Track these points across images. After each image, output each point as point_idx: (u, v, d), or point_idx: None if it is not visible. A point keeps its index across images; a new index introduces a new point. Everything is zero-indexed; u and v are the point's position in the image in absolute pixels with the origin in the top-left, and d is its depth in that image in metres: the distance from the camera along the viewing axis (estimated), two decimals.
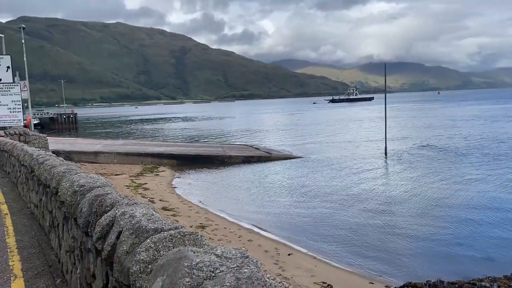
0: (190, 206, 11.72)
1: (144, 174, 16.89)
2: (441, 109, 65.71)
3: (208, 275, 1.18)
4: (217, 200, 13.25)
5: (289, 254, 7.87)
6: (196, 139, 33.56)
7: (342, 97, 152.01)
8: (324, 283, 6.43)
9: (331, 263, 7.78)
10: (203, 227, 9.20)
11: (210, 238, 7.86)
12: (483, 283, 5.63)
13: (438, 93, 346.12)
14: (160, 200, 12.03)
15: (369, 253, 8.26)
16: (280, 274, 6.53)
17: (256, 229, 9.83)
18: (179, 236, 1.58)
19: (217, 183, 16.04)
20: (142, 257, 1.53)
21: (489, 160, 18.02)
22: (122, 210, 2.04)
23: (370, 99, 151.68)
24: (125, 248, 1.74)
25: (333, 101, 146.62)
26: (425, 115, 51.95)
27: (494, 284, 5.66)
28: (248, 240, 8.58)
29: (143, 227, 1.75)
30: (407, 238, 9.07)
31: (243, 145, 26.05)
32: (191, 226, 8.81)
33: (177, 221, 8.45)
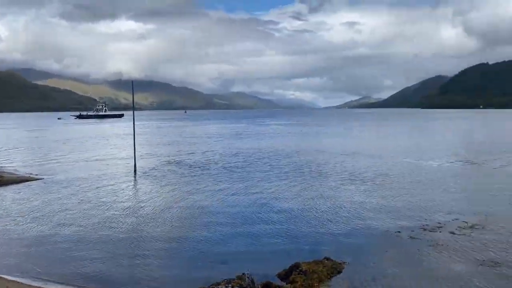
0: None
1: None
2: (188, 127, 70.68)
3: None
4: None
5: None
6: None
7: (90, 113, 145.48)
8: None
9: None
10: None
11: None
12: (219, 286, 6.30)
13: (185, 112, 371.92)
14: None
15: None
16: None
17: None
18: None
19: None
20: None
21: (227, 172, 20.32)
22: None
23: (120, 115, 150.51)
24: None
25: (80, 116, 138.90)
26: (172, 133, 54.78)
27: (229, 285, 6.38)
28: None
29: None
30: (153, 256, 9.24)
31: None
32: None
33: None
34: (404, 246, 9.48)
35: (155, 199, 14.82)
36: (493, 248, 9.21)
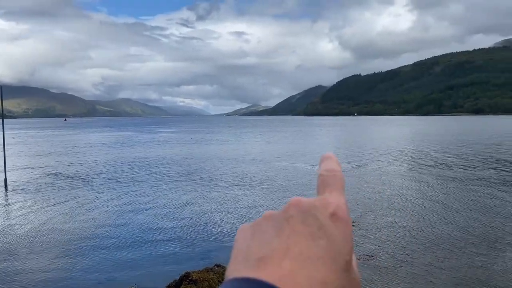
0: None
1: None
2: (68, 136, 65.62)
3: None
4: None
5: None
6: None
7: None
8: None
9: None
10: None
11: None
12: None
13: (65, 119, 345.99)
14: None
15: None
16: None
17: None
18: None
19: None
20: None
21: (111, 183, 19.21)
22: None
23: None
24: None
25: None
26: (50, 142, 50.36)
27: None
28: None
29: None
30: (27, 281, 8.28)
31: None
32: None
33: None
34: None
35: (28, 216, 13.35)
36: (368, 242, 10.05)
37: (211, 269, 8.22)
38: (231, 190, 17.19)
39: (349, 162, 25.79)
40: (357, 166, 24.04)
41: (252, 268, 0.44)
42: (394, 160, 26.90)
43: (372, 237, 10.44)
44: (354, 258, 0.50)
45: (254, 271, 0.44)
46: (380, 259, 8.89)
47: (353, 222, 11.71)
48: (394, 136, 56.93)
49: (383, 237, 10.40)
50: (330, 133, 70.55)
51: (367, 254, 9.18)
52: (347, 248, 0.47)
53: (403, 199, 14.92)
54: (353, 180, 19.16)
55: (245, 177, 20.39)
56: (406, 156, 29.39)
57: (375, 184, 18.08)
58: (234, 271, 0.45)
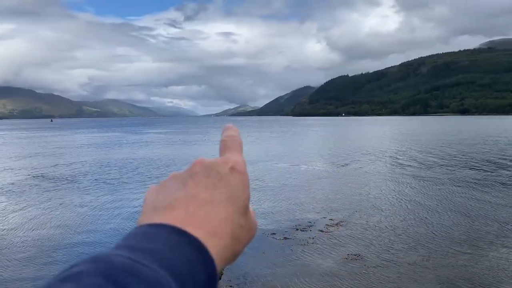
0: None
1: None
2: (54, 137, 64.86)
3: None
4: None
5: None
6: None
7: None
8: None
9: None
10: None
11: None
12: None
13: (51, 120, 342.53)
14: None
15: None
16: None
17: None
18: None
19: None
20: None
21: (97, 184, 19.06)
22: None
23: None
24: None
25: None
26: (36, 144, 49.74)
27: None
28: None
29: None
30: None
31: None
32: None
33: None
34: (279, 246, 9.91)
35: (11, 218, 13.19)
36: (356, 242, 10.15)
37: None
38: None
39: (334, 162, 25.96)
40: (342, 166, 24.21)
41: (158, 215, 0.49)
42: (379, 160, 27.16)
43: (358, 237, 10.55)
44: (251, 208, 0.62)
45: (160, 217, 0.48)
46: (366, 259, 8.99)
47: (341, 222, 11.84)
48: (379, 136, 57.45)
49: (369, 237, 10.51)
50: (316, 134, 70.89)
51: (354, 254, 9.27)
52: (245, 195, 0.56)
53: (388, 199, 15.08)
54: (339, 181, 19.31)
55: None
56: (390, 156, 29.70)
57: (360, 184, 18.24)
58: (141, 220, 0.50)
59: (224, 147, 0.62)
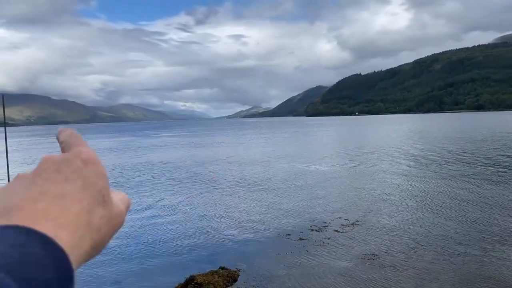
0: None
1: None
2: None
3: None
4: None
5: None
6: None
7: None
8: None
9: None
10: None
11: None
12: None
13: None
14: None
15: None
16: None
17: None
18: None
19: None
20: None
21: (114, 187, 19.28)
22: None
23: None
24: None
25: None
26: (51, 149, 50.45)
27: None
28: None
29: None
30: None
31: None
32: None
33: None
34: (294, 247, 9.94)
35: None
36: (372, 241, 10.13)
37: (216, 272, 8.32)
38: (233, 193, 17.27)
39: (348, 162, 25.85)
40: (356, 166, 24.09)
41: (4, 218, 0.46)
42: (394, 159, 26.96)
43: (374, 237, 10.52)
44: (119, 195, 0.60)
45: (5, 220, 0.45)
46: (383, 259, 8.96)
47: (356, 222, 11.81)
48: (393, 134, 56.96)
49: (385, 237, 10.48)
50: (329, 134, 70.59)
51: (370, 254, 9.26)
52: (101, 185, 0.54)
53: (403, 199, 14.99)
54: (353, 180, 19.24)
55: (246, 179, 20.47)
56: (405, 154, 29.44)
57: (375, 184, 18.15)
58: None
59: (67, 146, 0.59)
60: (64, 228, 0.47)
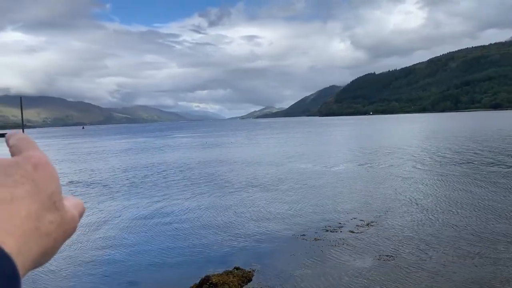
0: None
1: None
2: (86, 144, 66.65)
3: None
4: None
5: None
6: None
7: None
8: None
9: None
10: None
11: None
12: None
13: (83, 128, 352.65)
14: None
15: None
16: None
17: None
18: None
19: None
20: None
21: (130, 188, 19.48)
22: None
23: (2, 135, 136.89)
24: None
25: None
26: (69, 151, 51.26)
27: None
28: None
29: None
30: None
31: None
32: None
33: None
34: (309, 248, 9.88)
35: None
36: (387, 242, 10.02)
37: (231, 272, 8.32)
38: (246, 193, 17.27)
39: (362, 162, 25.65)
40: (371, 165, 23.89)
41: None
42: (409, 158, 26.65)
43: (390, 237, 10.40)
44: (72, 201, 0.58)
45: None
46: (399, 260, 8.86)
47: (371, 222, 11.69)
48: (408, 134, 56.34)
49: (401, 238, 10.35)
50: (343, 133, 70.15)
51: (386, 255, 9.15)
52: (52, 190, 0.51)
53: (418, 198, 14.80)
54: (368, 180, 19.07)
55: (258, 180, 20.46)
56: (421, 154, 29.09)
57: (391, 183, 17.96)
58: None
59: (17, 150, 0.56)
60: (11, 233, 0.45)
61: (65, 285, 8.41)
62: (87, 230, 12.54)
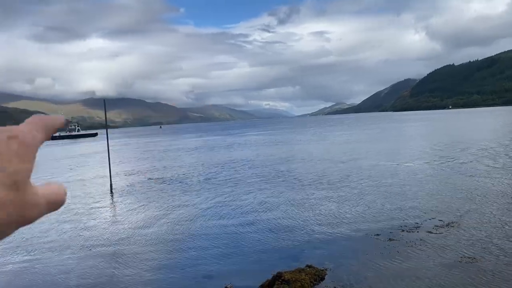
0: None
1: None
2: (164, 142, 70.00)
3: None
4: None
5: None
6: None
7: (63, 133, 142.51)
8: None
9: None
10: None
11: None
12: None
13: (160, 127, 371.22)
14: None
15: None
16: None
17: None
18: None
19: None
20: None
21: (206, 185, 20.17)
22: None
23: (94, 135, 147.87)
24: None
25: (52, 138, 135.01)
26: (149, 149, 54.18)
27: None
28: None
29: None
30: (136, 275, 9.07)
31: None
32: None
33: None
34: (383, 248, 9.60)
35: (133, 217, 14.58)
36: (470, 244, 9.43)
37: (303, 269, 8.33)
38: (317, 190, 17.13)
39: (440, 160, 24.27)
40: (450, 163, 22.54)
41: None
42: (491, 155, 24.75)
43: (472, 239, 9.78)
44: (47, 190, 0.53)
45: None
46: (483, 263, 8.31)
47: (451, 223, 11.06)
48: (491, 129, 52.28)
49: (485, 239, 9.69)
50: (420, 129, 66.79)
51: (468, 257, 8.63)
52: (19, 168, 0.48)
53: (502, 197, 13.72)
54: (447, 179, 18.04)
55: (329, 177, 20.17)
56: (505, 150, 26.88)
57: (472, 183, 16.83)
58: None
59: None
60: None
61: (143, 275, 8.95)
62: (166, 224, 13.21)
